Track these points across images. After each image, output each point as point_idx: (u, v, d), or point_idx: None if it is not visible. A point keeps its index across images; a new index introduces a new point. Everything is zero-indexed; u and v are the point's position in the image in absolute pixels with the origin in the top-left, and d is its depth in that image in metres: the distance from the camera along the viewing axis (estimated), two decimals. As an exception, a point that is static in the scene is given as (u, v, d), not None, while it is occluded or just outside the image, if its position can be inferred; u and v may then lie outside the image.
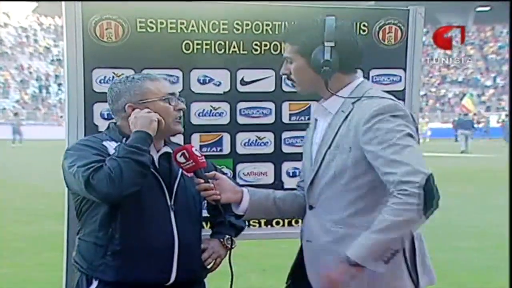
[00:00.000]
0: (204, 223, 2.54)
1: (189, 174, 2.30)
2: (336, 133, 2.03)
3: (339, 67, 2.04)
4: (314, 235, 2.11)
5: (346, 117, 2.03)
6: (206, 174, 2.22)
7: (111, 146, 2.22)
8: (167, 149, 2.32)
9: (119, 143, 2.20)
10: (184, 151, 2.20)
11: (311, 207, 2.15)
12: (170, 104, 2.26)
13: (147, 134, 2.15)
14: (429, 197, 1.86)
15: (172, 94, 2.29)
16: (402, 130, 1.93)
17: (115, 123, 2.33)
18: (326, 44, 2.01)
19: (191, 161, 2.19)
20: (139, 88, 2.25)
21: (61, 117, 33.07)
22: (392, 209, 1.86)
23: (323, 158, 2.06)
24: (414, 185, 1.84)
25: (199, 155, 2.21)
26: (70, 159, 2.17)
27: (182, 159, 2.20)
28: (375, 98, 2.02)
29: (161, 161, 2.28)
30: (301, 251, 2.23)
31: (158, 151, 2.30)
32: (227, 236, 2.41)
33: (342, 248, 1.97)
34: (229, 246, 2.39)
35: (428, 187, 1.85)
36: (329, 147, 2.04)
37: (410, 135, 1.94)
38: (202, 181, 2.20)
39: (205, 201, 2.41)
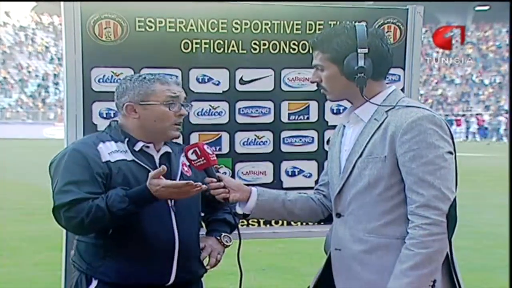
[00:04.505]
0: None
1: (189, 174, 2.30)
2: (368, 141, 2.00)
3: (372, 73, 2.02)
4: (344, 244, 2.07)
5: (380, 125, 2.00)
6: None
7: (108, 148, 2.21)
8: (166, 148, 2.32)
9: (118, 142, 2.22)
10: (196, 148, 2.19)
11: (339, 215, 2.11)
12: (170, 109, 2.24)
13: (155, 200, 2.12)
14: (450, 224, 1.90)
15: (176, 98, 2.26)
16: (440, 147, 1.92)
17: (117, 121, 2.32)
18: (359, 50, 2.00)
19: (202, 158, 2.18)
20: (145, 89, 2.24)
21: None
22: (420, 241, 1.88)
23: (354, 166, 2.03)
24: (438, 212, 1.88)
25: (211, 152, 2.20)
26: (54, 178, 2.19)
27: (193, 157, 2.19)
28: (411, 107, 1.99)
29: (161, 161, 2.28)
30: (328, 260, 2.18)
31: (158, 151, 2.29)
32: (224, 234, 2.41)
33: (374, 258, 1.98)
34: (226, 243, 2.39)
35: (450, 214, 1.89)
36: (360, 156, 2.01)
37: (448, 152, 1.94)
38: (214, 180, 2.19)
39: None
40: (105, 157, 2.19)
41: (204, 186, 2.14)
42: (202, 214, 2.51)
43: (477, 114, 37.58)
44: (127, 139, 2.24)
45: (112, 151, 2.21)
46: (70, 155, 2.19)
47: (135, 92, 2.24)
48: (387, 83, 2.14)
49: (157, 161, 2.27)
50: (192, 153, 2.19)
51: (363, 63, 2.00)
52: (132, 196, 2.10)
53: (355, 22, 2.10)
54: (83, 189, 2.11)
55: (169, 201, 2.23)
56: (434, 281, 1.91)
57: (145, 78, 2.27)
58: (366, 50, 2.00)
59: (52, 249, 5.53)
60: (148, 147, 2.27)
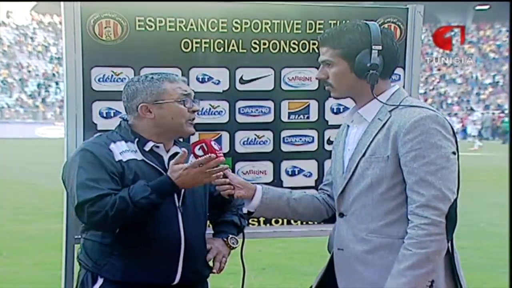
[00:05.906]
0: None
1: None
2: (372, 141, 2.00)
3: (381, 72, 2.02)
4: (346, 244, 2.07)
5: (383, 125, 1.99)
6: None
7: (118, 147, 2.23)
8: (176, 149, 2.33)
9: (128, 142, 2.24)
10: (203, 144, 2.19)
11: (342, 215, 2.10)
12: (184, 106, 2.27)
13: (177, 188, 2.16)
14: (450, 225, 1.89)
15: (188, 95, 2.29)
16: (443, 147, 1.91)
17: (127, 121, 2.32)
18: (374, 47, 1.99)
19: (209, 154, 2.18)
20: (156, 89, 2.25)
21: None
22: (418, 241, 1.88)
23: (357, 166, 2.02)
24: (438, 213, 1.87)
25: (218, 149, 2.21)
26: (68, 180, 2.21)
27: (200, 152, 2.19)
28: (414, 107, 1.99)
29: (171, 162, 2.28)
30: (331, 260, 2.18)
31: (167, 151, 2.31)
32: (231, 235, 2.42)
33: (376, 258, 1.98)
34: (233, 245, 2.40)
35: (450, 214, 1.89)
36: (363, 155, 2.01)
37: (452, 152, 1.93)
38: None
39: None
40: (118, 156, 2.21)
41: (223, 159, 2.17)
42: (208, 214, 2.52)
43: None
44: (137, 139, 2.25)
45: (123, 151, 2.23)
46: (82, 156, 2.20)
47: (147, 93, 2.25)
48: (389, 82, 2.13)
49: (166, 161, 2.28)
50: (199, 149, 2.20)
51: (376, 60, 2.00)
52: (154, 186, 2.13)
53: (356, 21, 2.09)
54: (104, 185, 2.13)
55: (176, 201, 2.24)
56: (432, 281, 1.90)
57: (153, 78, 2.28)
58: (380, 47, 2.00)
59: (52, 249, 5.53)
60: (158, 147, 2.28)
